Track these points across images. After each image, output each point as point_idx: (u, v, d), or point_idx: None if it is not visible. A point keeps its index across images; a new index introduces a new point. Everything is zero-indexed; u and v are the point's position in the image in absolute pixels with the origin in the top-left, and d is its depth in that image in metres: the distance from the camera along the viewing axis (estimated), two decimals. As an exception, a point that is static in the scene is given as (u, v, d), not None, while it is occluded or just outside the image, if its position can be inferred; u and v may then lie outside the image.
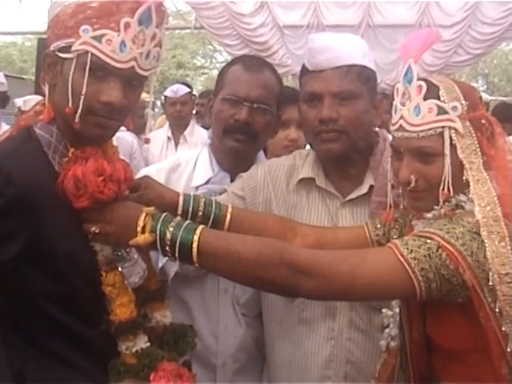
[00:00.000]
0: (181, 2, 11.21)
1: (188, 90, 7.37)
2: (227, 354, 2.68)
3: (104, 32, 1.81)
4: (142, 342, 1.96)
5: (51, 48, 1.90)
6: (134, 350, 1.94)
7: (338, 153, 2.40)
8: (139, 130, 6.42)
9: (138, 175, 2.73)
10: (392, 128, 2.03)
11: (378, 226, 2.25)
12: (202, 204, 2.22)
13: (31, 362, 1.85)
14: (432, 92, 1.93)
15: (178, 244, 1.85)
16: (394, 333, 2.15)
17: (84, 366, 1.91)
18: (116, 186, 1.90)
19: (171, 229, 1.87)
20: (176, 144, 7.10)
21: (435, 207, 1.96)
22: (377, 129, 2.57)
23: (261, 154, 2.86)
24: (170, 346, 2.11)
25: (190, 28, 11.26)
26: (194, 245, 1.84)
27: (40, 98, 6.45)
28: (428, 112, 1.92)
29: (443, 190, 1.90)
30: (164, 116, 8.47)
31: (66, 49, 1.86)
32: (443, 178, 1.90)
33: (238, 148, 2.63)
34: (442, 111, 1.91)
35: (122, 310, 1.91)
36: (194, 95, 7.77)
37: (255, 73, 2.64)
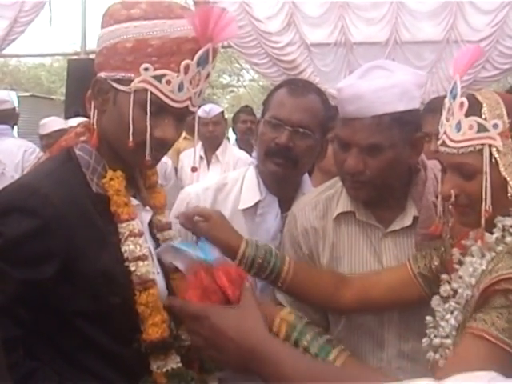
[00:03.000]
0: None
1: (220, 109, 7.36)
2: None
3: (164, 72, 1.85)
4: (174, 363, 1.97)
5: (103, 75, 1.93)
6: (164, 369, 1.95)
7: (365, 199, 2.38)
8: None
9: (183, 194, 2.82)
10: (438, 142, 2.01)
11: (419, 258, 2.23)
12: (262, 252, 2.22)
13: (66, 378, 1.87)
14: (474, 109, 1.90)
15: None
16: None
17: (117, 382, 1.92)
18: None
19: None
20: (208, 163, 7.09)
21: (486, 234, 1.94)
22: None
23: (306, 177, 2.83)
24: (211, 361, 2.11)
25: (217, 47, 11.34)
26: None
27: (56, 119, 6.52)
28: (468, 129, 1.89)
29: (485, 208, 1.88)
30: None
31: (123, 82, 1.89)
32: (483, 196, 1.87)
33: (278, 172, 2.60)
34: (482, 128, 1.88)
35: (154, 329, 1.92)
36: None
37: (299, 97, 2.60)
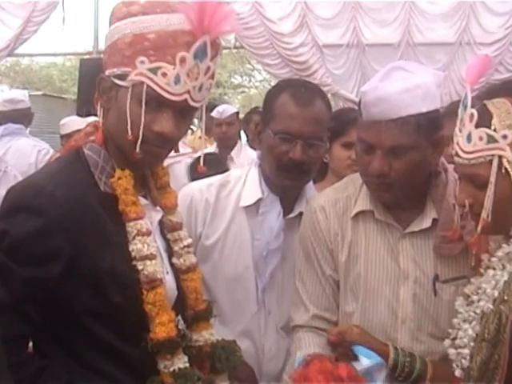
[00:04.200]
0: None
1: (234, 110, 7.30)
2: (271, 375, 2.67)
3: (160, 65, 1.85)
4: (181, 362, 1.97)
5: (107, 73, 1.94)
6: (171, 369, 1.95)
7: (390, 201, 2.38)
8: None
9: (186, 189, 2.81)
10: (452, 152, 2.03)
11: None
12: (408, 359, 2.27)
13: (74, 375, 1.88)
14: (484, 120, 1.91)
15: None
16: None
17: (125, 381, 1.93)
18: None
19: None
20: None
21: (503, 245, 1.97)
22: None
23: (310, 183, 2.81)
24: (222, 361, 2.15)
25: (229, 48, 11.31)
26: None
27: (76, 118, 6.46)
28: (478, 140, 1.90)
29: (484, 216, 1.90)
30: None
31: (122, 77, 1.90)
32: (485, 205, 1.89)
33: (293, 186, 2.62)
34: (491, 140, 1.89)
35: (161, 328, 1.92)
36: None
37: (307, 106, 2.56)
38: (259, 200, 2.67)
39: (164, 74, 1.85)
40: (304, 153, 2.54)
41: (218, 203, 2.71)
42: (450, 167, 2.41)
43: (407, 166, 2.26)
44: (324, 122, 2.62)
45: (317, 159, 2.62)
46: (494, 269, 1.98)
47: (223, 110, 7.05)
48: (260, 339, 2.66)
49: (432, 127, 2.27)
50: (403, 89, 2.20)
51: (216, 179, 2.82)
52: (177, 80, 1.86)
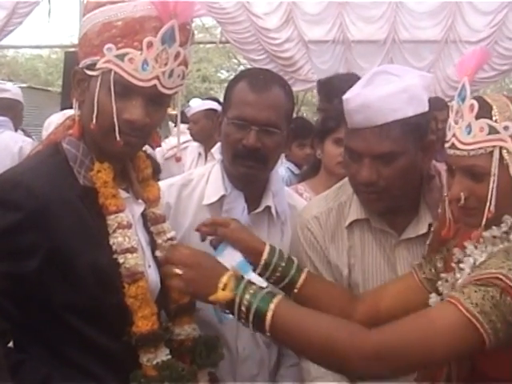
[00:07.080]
0: (206, 17, 11.23)
1: (202, 108, 6.93)
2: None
3: (127, 51, 1.84)
4: (163, 355, 1.97)
5: (80, 65, 1.94)
6: (154, 362, 1.95)
7: (382, 210, 2.33)
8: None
9: None
10: (446, 145, 1.99)
11: (424, 264, 2.22)
12: (284, 261, 2.22)
13: (54, 372, 1.86)
14: (484, 111, 1.89)
15: (252, 311, 1.87)
16: None
17: (106, 377, 1.91)
18: None
19: (247, 296, 1.88)
20: (206, 160, 6.77)
21: (493, 227, 1.94)
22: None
23: (273, 172, 2.71)
24: (203, 358, 2.14)
25: (215, 42, 11.28)
26: (268, 315, 1.85)
27: (57, 117, 6.25)
28: (479, 131, 1.88)
29: (489, 209, 1.87)
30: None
31: (92, 66, 1.89)
32: (489, 197, 1.87)
33: (249, 173, 2.52)
34: (493, 131, 1.87)
35: (144, 322, 1.92)
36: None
37: (262, 92, 2.47)
38: (223, 197, 2.60)
39: (131, 60, 1.84)
40: (258, 140, 2.45)
41: (180, 204, 2.63)
42: (442, 169, 2.40)
43: (396, 173, 2.21)
44: (281, 109, 2.52)
45: (272, 147, 2.51)
46: (475, 248, 1.98)
47: (190, 108, 6.88)
48: (234, 341, 2.61)
49: (420, 131, 2.23)
50: (387, 94, 2.15)
51: (178, 179, 2.75)
52: (144, 65, 1.84)
